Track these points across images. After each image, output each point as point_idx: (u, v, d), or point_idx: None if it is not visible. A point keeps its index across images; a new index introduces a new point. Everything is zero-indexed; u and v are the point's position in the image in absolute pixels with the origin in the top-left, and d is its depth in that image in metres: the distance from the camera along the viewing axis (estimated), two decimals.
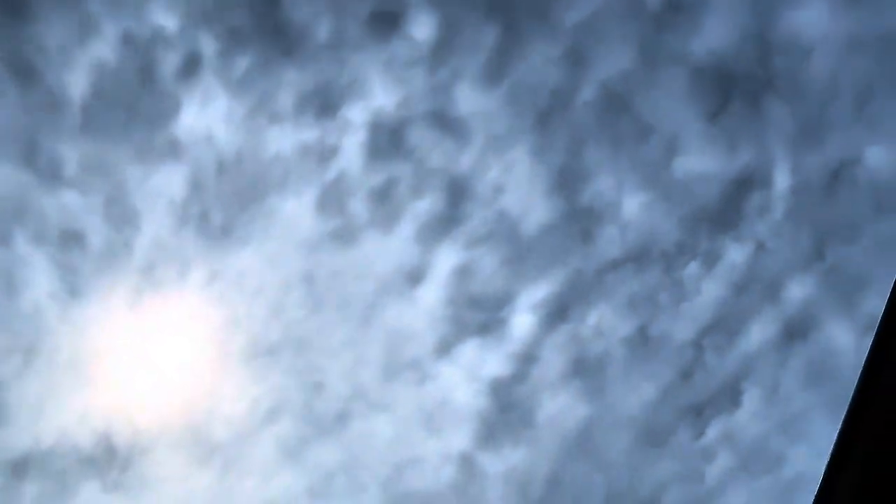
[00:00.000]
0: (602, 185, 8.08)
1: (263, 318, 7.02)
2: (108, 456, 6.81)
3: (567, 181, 7.83)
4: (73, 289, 6.65)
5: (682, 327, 7.46)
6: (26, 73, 6.45)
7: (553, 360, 7.49)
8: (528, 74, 7.98)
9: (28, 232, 6.57)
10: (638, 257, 7.90)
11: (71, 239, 6.61)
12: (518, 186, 7.65)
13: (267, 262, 6.94)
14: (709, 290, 7.44)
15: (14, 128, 6.46)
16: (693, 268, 7.56)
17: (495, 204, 7.53)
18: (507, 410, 7.39)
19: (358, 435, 7.27)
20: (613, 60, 8.18)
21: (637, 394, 7.40)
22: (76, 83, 6.44)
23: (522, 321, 7.33)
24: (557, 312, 7.47)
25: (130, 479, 6.83)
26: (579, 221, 7.80)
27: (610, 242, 7.82)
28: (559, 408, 7.43)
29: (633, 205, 8.22)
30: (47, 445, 6.72)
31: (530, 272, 7.43)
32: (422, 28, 7.24)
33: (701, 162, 8.42)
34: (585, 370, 7.42)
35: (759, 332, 7.75)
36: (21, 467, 6.62)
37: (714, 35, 8.24)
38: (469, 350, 7.29)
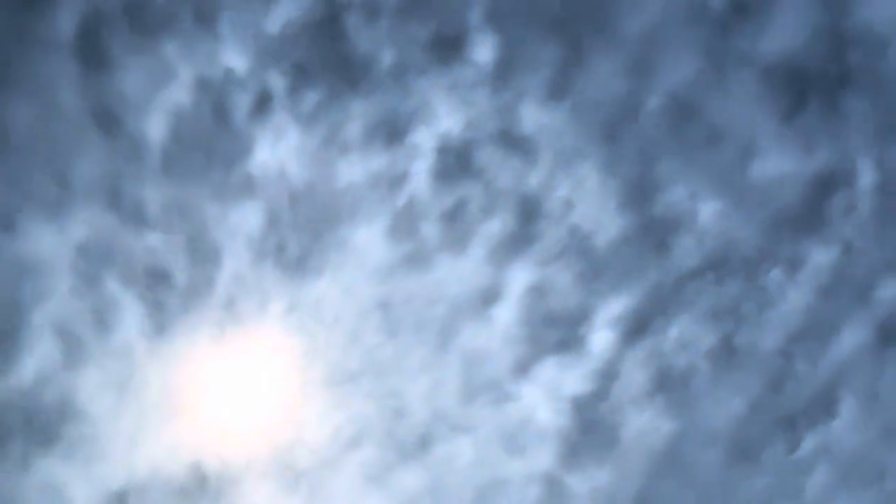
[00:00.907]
0: (675, 194, 7.98)
1: (342, 345, 7.18)
2: (200, 486, 7.06)
3: (639, 193, 7.77)
4: (160, 325, 6.96)
5: (768, 336, 7.30)
6: (109, 121, 6.84)
7: (635, 375, 7.40)
8: (593, 88, 8.00)
9: (116, 273, 6.91)
10: (717, 266, 7.75)
11: (157, 277, 6.93)
12: (589, 201, 7.64)
13: (343, 290, 7.11)
14: (795, 297, 7.27)
15: (99, 174, 6.84)
16: (776, 274, 7.40)
17: (566, 220, 7.52)
18: (590, 429, 7.33)
19: (440, 458, 7.33)
20: (679, 67, 8.13)
21: (725, 407, 7.27)
22: (155, 128, 6.78)
23: (601, 337, 7.28)
24: (637, 327, 7.38)
25: None
26: (654, 233, 7.71)
27: (687, 252, 7.69)
28: (644, 424, 7.33)
29: (708, 212, 8.09)
30: (142, 478, 7.01)
31: (606, 287, 7.39)
32: (483, 50, 7.37)
33: (778, 164, 8.24)
34: (669, 385, 7.32)
35: (851, 337, 7.55)
36: (119, 500, 6.92)
37: (783, 33, 8.10)
38: (548, 369, 7.28)
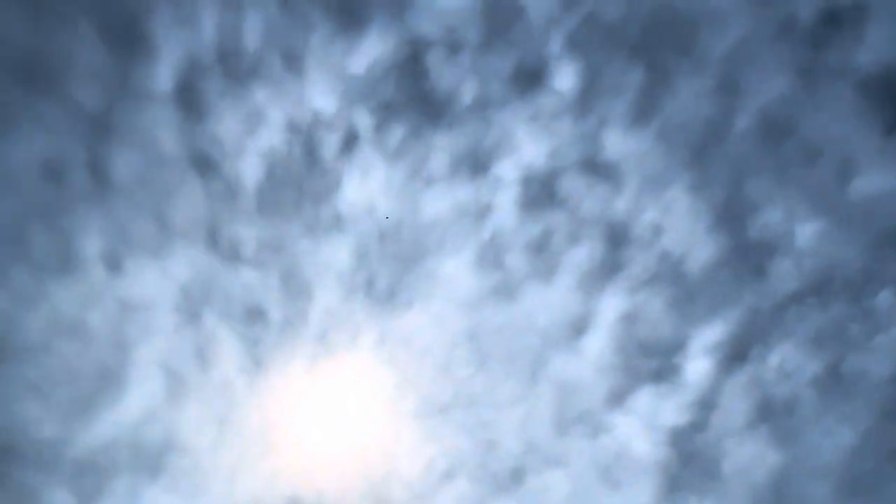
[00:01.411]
0: (770, 215, 7.78)
1: (432, 376, 7.27)
2: None
3: (731, 215, 7.62)
4: (256, 360, 7.23)
5: (879, 362, 6.95)
6: (206, 165, 7.21)
7: (735, 405, 7.19)
8: (679, 110, 7.91)
9: (215, 310, 7.25)
10: (819, 289, 7.48)
11: (253, 314, 7.23)
12: (678, 225, 7.53)
13: (431, 322, 7.21)
14: None
15: (198, 215, 7.21)
16: (885, 296, 7.06)
17: (656, 245, 7.43)
18: (689, 461, 7.14)
19: (534, 491, 7.29)
20: (769, 84, 7.94)
21: (834, 438, 6.94)
22: (249, 170, 7.12)
23: (697, 366, 7.12)
24: (735, 354, 7.19)
25: None
26: (749, 256, 7.54)
27: (786, 276, 7.47)
28: (747, 456, 7.09)
29: (807, 233, 7.83)
30: None
31: (701, 314, 7.24)
32: (565, 78, 7.41)
33: (880, 180, 7.91)
34: (772, 415, 7.06)
35: None
36: None
37: (879, 44, 7.82)
38: (643, 399, 7.16)
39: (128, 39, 7.21)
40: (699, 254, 7.52)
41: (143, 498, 7.22)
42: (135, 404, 7.29)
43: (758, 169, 7.81)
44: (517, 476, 7.28)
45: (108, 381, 7.23)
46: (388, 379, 7.27)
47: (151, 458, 7.32)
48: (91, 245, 6.97)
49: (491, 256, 7.34)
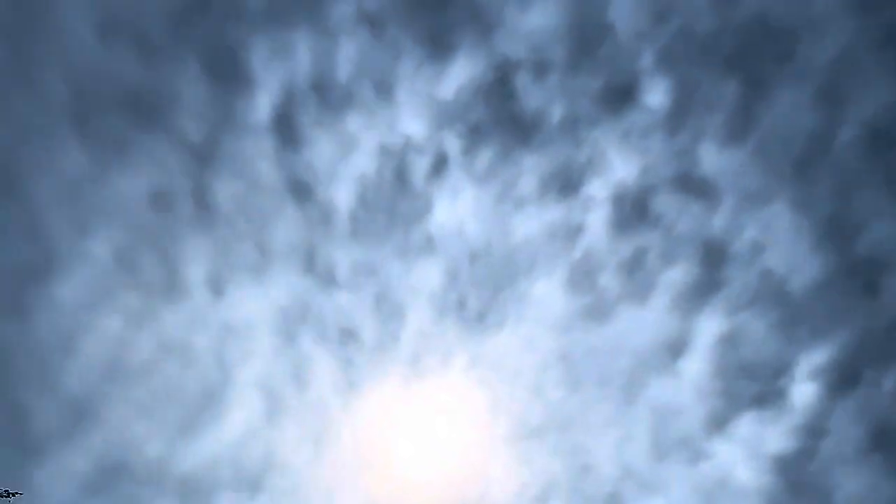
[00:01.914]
0: (880, 230, 7.41)
1: (525, 399, 7.27)
2: None
3: (837, 231, 7.30)
4: (351, 381, 7.44)
5: None
6: (302, 191, 7.51)
7: (846, 432, 6.84)
8: (778, 123, 7.67)
9: (312, 331, 7.51)
10: None
11: (347, 335, 7.44)
12: (781, 243, 7.28)
13: (523, 344, 7.23)
14: None
15: (295, 240, 7.50)
16: None
17: (757, 264, 7.22)
18: (797, 491, 6.84)
19: None
20: (875, 94, 7.60)
21: None
22: (343, 195, 7.36)
23: (804, 390, 6.83)
24: (845, 378, 6.85)
25: None
26: (858, 274, 7.19)
27: None
28: (861, 487, 6.72)
29: None
30: None
31: (807, 335, 6.95)
32: (656, 95, 7.33)
33: None
34: (888, 442, 6.68)
35: None
36: None
37: None
38: (745, 424, 6.93)
39: (228, 74, 7.61)
40: (804, 272, 7.24)
41: None
42: (236, 423, 7.62)
43: (865, 182, 7.47)
44: (613, 501, 7.16)
45: (211, 400, 7.59)
46: (480, 400, 7.31)
47: (252, 476, 7.62)
48: (196, 270, 7.37)
49: (583, 277, 7.30)
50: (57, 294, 8.03)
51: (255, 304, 7.72)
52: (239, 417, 7.80)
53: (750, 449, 6.94)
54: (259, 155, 7.82)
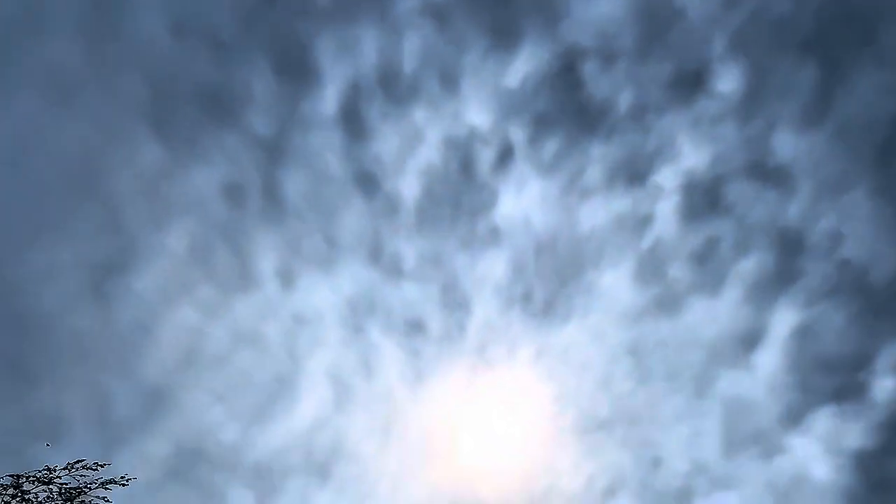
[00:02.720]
0: None
1: (592, 391, 7.28)
2: None
3: None
4: (418, 371, 7.59)
5: None
6: (369, 184, 7.68)
7: None
8: (858, 107, 7.43)
9: (379, 322, 7.70)
10: None
11: (414, 326, 7.61)
12: (860, 232, 7.06)
13: (591, 336, 7.24)
14: None
15: (362, 232, 7.69)
16: None
17: (835, 254, 7.02)
18: (880, 488, 6.64)
19: None
20: None
21: None
22: (409, 187, 7.51)
23: (885, 384, 6.61)
24: None
25: None
26: None
27: None
28: None
29: None
30: None
31: (888, 328, 6.73)
32: (728, 81, 7.20)
33: None
34: None
35: None
36: None
37: None
38: (823, 419, 6.76)
39: (296, 70, 7.84)
40: (885, 262, 7.01)
41: (314, 500, 7.75)
42: (306, 412, 7.88)
43: None
44: (684, 496, 7.11)
45: (282, 389, 7.86)
46: (547, 392, 7.35)
47: (321, 463, 7.87)
48: (267, 262, 7.64)
49: (652, 268, 7.26)
50: (135, 285, 8.43)
51: (324, 295, 7.95)
52: (309, 406, 8.06)
53: (827, 445, 6.77)
54: (326, 148, 8.03)
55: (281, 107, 8.06)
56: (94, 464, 3.75)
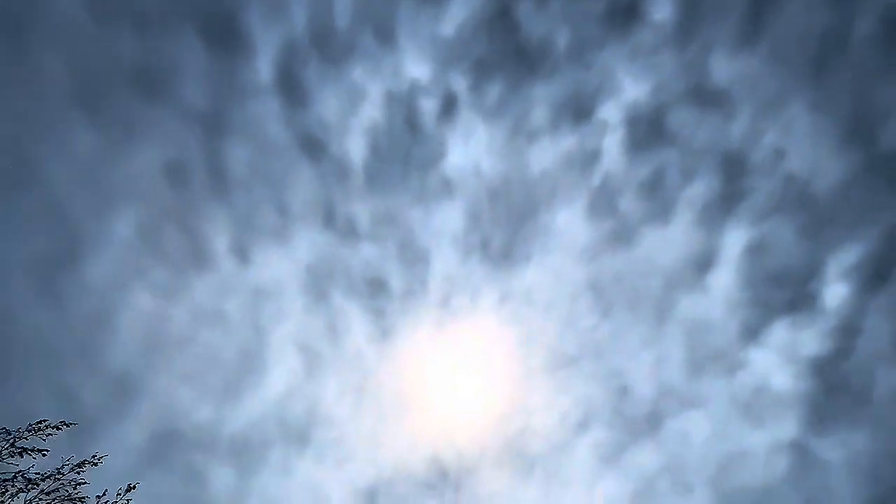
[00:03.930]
0: None
1: (557, 330, 7.45)
2: (441, 479, 7.68)
3: (859, 129, 7.23)
4: (384, 330, 7.66)
5: None
6: (315, 148, 7.60)
7: (880, 328, 6.92)
8: (791, 24, 7.55)
9: (340, 286, 7.71)
10: None
11: (375, 286, 7.64)
12: (802, 147, 7.25)
13: (550, 276, 7.36)
14: None
15: (313, 197, 7.63)
16: None
17: (779, 170, 7.20)
18: (835, 391, 6.98)
19: (674, 435, 7.36)
20: None
21: None
22: (355, 147, 7.46)
23: (835, 291, 6.90)
24: (876, 275, 6.90)
25: (464, 498, 7.60)
26: (883, 169, 7.14)
27: None
28: None
29: None
30: (388, 475, 7.77)
31: (835, 236, 6.99)
32: (661, 9, 7.24)
33: None
34: None
35: None
36: (371, 496, 7.73)
37: None
38: (779, 331, 7.04)
39: (226, 38, 7.65)
40: (828, 174, 7.23)
41: (297, 468, 7.86)
42: (277, 382, 7.92)
43: (885, 75, 7.36)
44: (654, 421, 7.40)
45: (250, 363, 7.87)
46: (513, 335, 7.51)
47: (299, 431, 7.95)
48: (220, 239, 7.57)
49: (603, 203, 7.39)
50: (87, 276, 8.28)
51: (282, 265, 7.92)
52: (279, 376, 8.11)
53: (785, 355, 7.07)
54: (267, 116, 7.90)
55: (214, 78, 7.89)
56: (61, 423, 3.74)
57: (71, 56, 8.00)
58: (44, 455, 3.70)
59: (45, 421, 3.66)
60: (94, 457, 3.70)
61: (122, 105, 8.33)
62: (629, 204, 7.28)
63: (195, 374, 8.39)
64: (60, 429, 3.62)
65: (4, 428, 3.64)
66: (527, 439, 7.85)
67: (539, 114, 7.28)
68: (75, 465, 3.66)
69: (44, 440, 3.72)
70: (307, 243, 7.76)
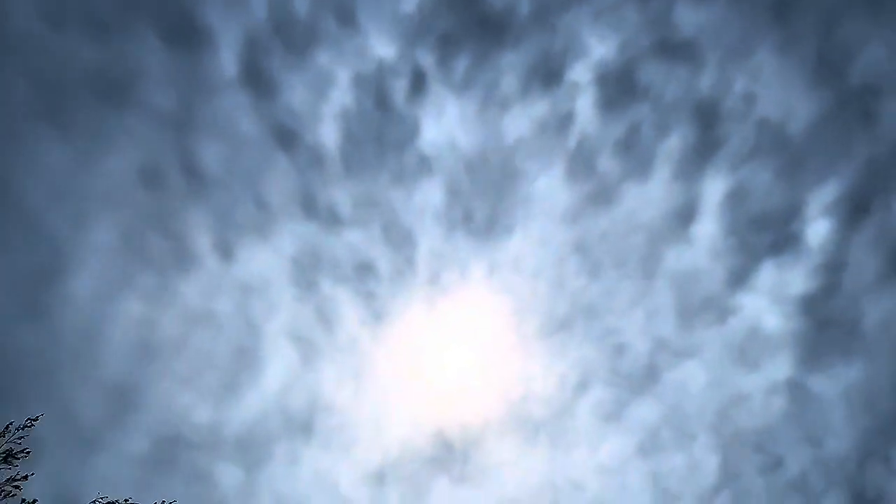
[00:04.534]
0: (870, 56, 7.39)
1: (547, 295, 7.51)
2: (448, 453, 7.77)
3: (827, 67, 7.29)
4: (376, 313, 7.69)
5: None
6: (288, 139, 7.57)
7: (864, 261, 7.04)
8: None
9: (328, 275, 7.72)
10: None
11: (363, 270, 7.66)
12: (772, 90, 7.31)
13: (536, 242, 7.41)
14: None
15: (291, 189, 7.61)
16: None
17: (751, 116, 7.27)
18: (826, 327, 7.11)
19: (672, 386, 7.47)
20: None
21: None
22: (329, 134, 7.44)
23: (817, 229, 7.00)
24: (856, 209, 7.00)
25: (472, 470, 7.71)
26: (854, 104, 7.23)
27: None
28: (886, 312, 6.97)
29: None
30: (395, 455, 7.84)
31: (812, 175, 7.06)
32: None
33: None
34: None
35: None
36: (380, 477, 7.80)
37: None
38: (766, 274, 7.14)
39: (186, 36, 7.57)
40: (800, 114, 7.31)
41: (303, 459, 7.91)
42: (275, 376, 7.94)
43: (849, 10, 7.41)
44: (651, 375, 7.51)
45: (246, 360, 7.88)
46: (505, 305, 7.56)
47: (301, 423, 7.99)
48: (202, 239, 7.54)
49: (581, 165, 7.42)
50: (71, 289, 8.23)
51: (267, 259, 7.91)
52: (276, 370, 8.13)
53: (773, 297, 7.18)
54: (236, 111, 7.85)
55: (179, 78, 7.81)
56: (28, 420, 3.71)
57: (29, 69, 7.88)
58: (26, 454, 3.69)
59: (10, 423, 3.63)
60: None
61: (88, 114, 8.23)
62: (607, 163, 7.34)
63: (191, 377, 8.40)
64: (31, 426, 3.59)
65: None
66: (528, 406, 7.96)
67: (509, 82, 7.29)
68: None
69: (17, 443, 3.70)
70: (290, 235, 7.76)
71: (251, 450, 8.75)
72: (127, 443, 8.50)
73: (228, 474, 8.74)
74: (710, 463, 8.05)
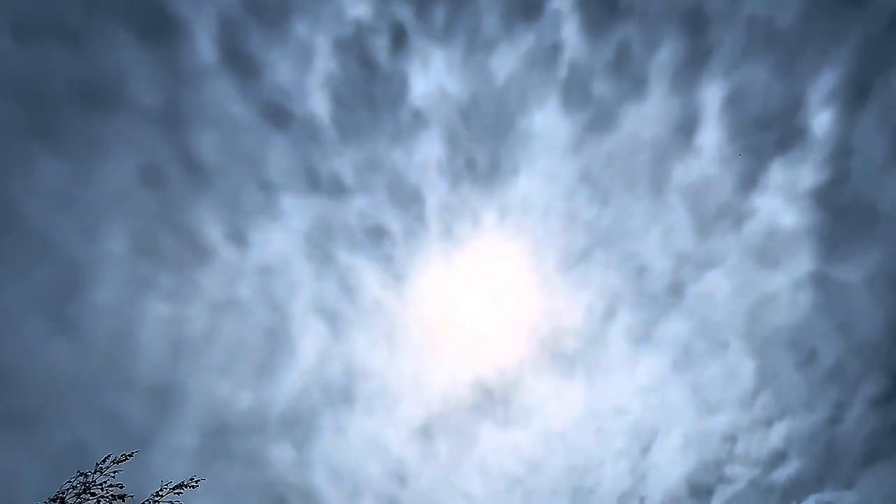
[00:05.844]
0: None
1: (562, 229, 7.57)
2: (488, 399, 7.96)
3: None
4: (396, 275, 7.79)
5: None
6: (279, 115, 7.55)
7: (872, 143, 7.03)
8: None
9: (342, 244, 7.79)
10: None
11: (376, 235, 7.72)
12: None
13: (543, 179, 7.43)
14: None
15: (291, 165, 7.63)
16: None
17: (738, 15, 7.16)
18: (842, 216, 7.15)
19: (698, 298, 7.57)
20: None
21: None
22: (319, 104, 7.40)
23: (821, 119, 6.98)
24: (857, 93, 6.96)
25: (515, 411, 7.91)
26: None
27: None
28: None
29: None
30: (437, 409, 8.03)
31: (809, 66, 7.00)
32: None
33: None
34: None
35: None
36: (427, 432, 8.03)
37: None
38: (776, 173, 7.14)
39: (160, 29, 7.49)
40: (789, 6, 7.19)
41: (349, 426, 8.12)
42: (308, 352, 8.09)
43: None
44: (676, 290, 7.59)
45: (277, 341, 8.02)
46: (521, 246, 7.62)
47: (341, 391, 8.18)
48: (213, 230, 7.60)
49: (576, 94, 7.38)
50: (95, 300, 8.34)
51: (280, 239, 7.97)
52: (308, 345, 8.28)
53: (786, 194, 7.19)
54: (222, 96, 7.82)
55: (160, 73, 7.76)
56: (122, 455, 3.88)
57: (6, 89, 7.85)
58: (121, 488, 3.83)
59: (109, 456, 3.77)
60: (192, 479, 3.83)
61: (76, 124, 8.22)
62: (601, 88, 7.30)
63: (227, 366, 8.57)
64: (125, 459, 3.73)
65: (80, 472, 3.75)
66: (560, 340, 8.10)
67: (490, 22, 7.21)
68: (173, 488, 3.79)
69: (113, 476, 3.84)
70: (299, 211, 7.80)
71: (297, 426, 9.00)
72: (177, 439, 8.74)
73: (280, 453, 9.01)
74: (745, 367, 8.23)
